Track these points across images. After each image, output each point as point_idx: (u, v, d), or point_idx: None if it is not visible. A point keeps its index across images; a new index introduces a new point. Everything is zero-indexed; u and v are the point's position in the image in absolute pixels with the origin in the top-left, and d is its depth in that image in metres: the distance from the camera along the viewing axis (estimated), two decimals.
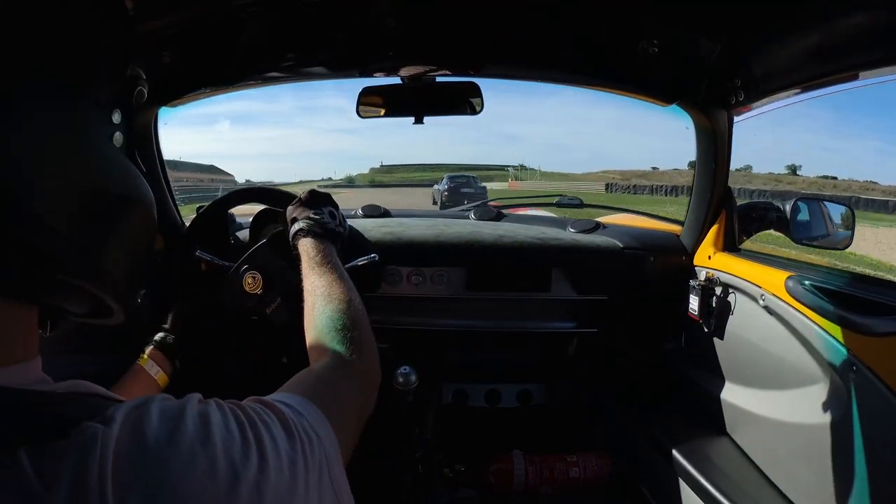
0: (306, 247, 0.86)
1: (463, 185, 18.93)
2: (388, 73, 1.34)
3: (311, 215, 0.94)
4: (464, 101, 1.35)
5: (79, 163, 0.39)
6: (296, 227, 0.92)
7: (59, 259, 0.38)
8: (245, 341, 1.23)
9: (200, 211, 1.31)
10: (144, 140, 1.41)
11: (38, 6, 0.37)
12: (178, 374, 1.07)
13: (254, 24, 1.19)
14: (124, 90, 0.47)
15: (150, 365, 1.02)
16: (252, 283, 1.11)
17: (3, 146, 0.34)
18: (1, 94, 0.34)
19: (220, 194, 1.32)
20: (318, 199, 1.00)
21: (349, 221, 1.50)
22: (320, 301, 0.71)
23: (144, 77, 0.53)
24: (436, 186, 20.66)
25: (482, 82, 1.33)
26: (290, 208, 1.00)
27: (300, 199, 1.00)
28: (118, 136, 0.46)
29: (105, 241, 0.41)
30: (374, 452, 1.46)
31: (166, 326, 1.09)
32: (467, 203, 2.24)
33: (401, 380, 1.35)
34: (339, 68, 1.36)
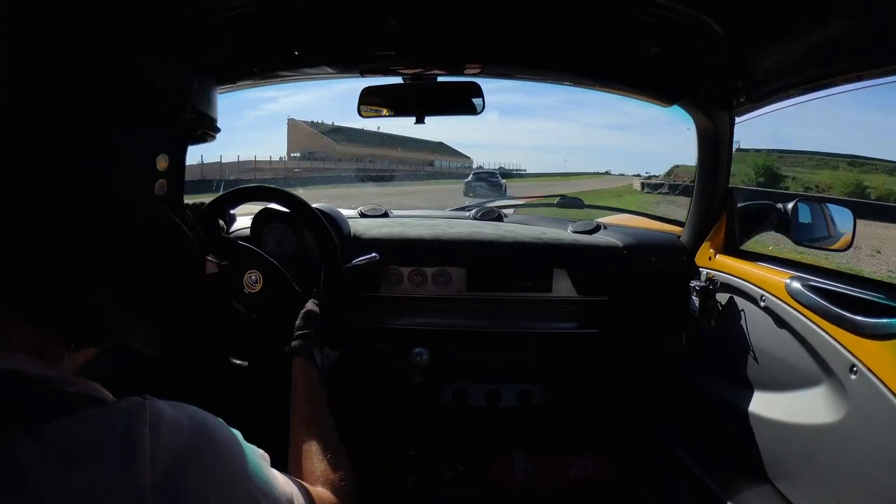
0: (297, 370, 0.87)
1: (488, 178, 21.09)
2: (390, 73, 1.34)
3: (317, 348, 0.94)
4: (465, 101, 1.35)
5: (101, 207, 0.38)
6: (297, 343, 0.93)
7: (82, 307, 0.39)
8: (241, 340, 1.23)
9: (202, 209, 1.30)
10: None
11: (69, 29, 0.37)
12: (173, 374, 1.07)
13: (255, 23, 1.19)
14: (174, 135, 0.44)
15: None
16: (253, 282, 1.11)
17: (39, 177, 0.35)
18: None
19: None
20: (330, 338, 1.00)
21: (350, 223, 1.51)
22: (305, 431, 0.73)
23: (215, 117, 0.49)
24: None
25: (483, 82, 1.33)
26: (311, 309, 1.00)
27: (323, 319, 1.00)
28: (161, 184, 0.43)
29: (129, 291, 0.42)
30: (375, 451, 1.46)
31: None
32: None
33: (416, 359, 1.37)
34: (341, 67, 1.36)
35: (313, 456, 0.68)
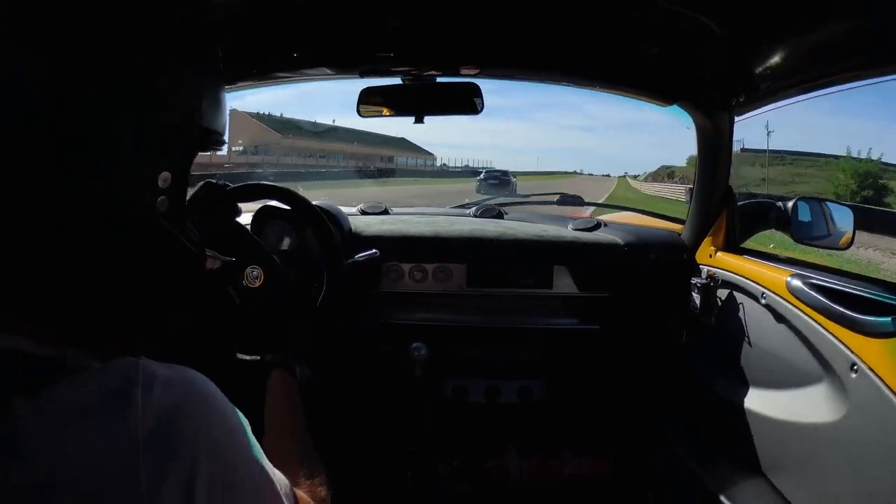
0: (277, 379, 0.86)
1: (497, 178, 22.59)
2: (389, 73, 1.34)
3: (298, 363, 0.93)
4: (464, 101, 1.35)
5: (100, 223, 0.39)
6: (279, 354, 0.92)
7: (80, 320, 0.40)
8: (241, 335, 1.23)
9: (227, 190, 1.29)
10: None
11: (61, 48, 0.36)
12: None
13: (254, 24, 1.18)
14: (177, 151, 0.43)
15: None
16: (254, 277, 1.11)
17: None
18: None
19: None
20: (304, 355, 0.99)
21: (351, 220, 1.51)
22: (283, 441, 0.73)
23: (222, 132, 0.48)
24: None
25: (482, 82, 1.33)
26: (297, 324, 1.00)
27: (300, 335, 1.00)
28: (162, 201, 0.42)
29: (125, 309, 0.42)
30: (375, 445, 1.47)
31: None
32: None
33: (414, 353, 1.37)
34: (340, 68, 1.36)
35: (290, 467, 0.67)
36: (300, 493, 0.59)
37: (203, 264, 1.14)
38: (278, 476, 0.48)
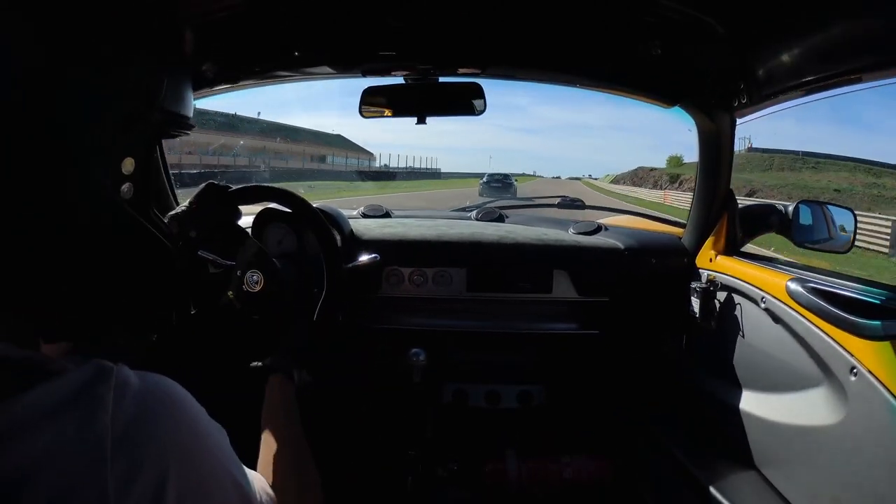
0: (274, 385, 0.86)
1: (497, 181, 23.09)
2: (391, 73, 1.34)
3: (296, 368, 0.92)
4: (466, 102, 1.35)
5: (65, 211, 0.39)
6: (276, 359, 0.91)
7: (53, 308, 0.40)
8: (240, 341, 1.23)
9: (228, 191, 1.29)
10: None
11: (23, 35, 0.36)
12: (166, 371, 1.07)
13: (256, 23, 1.19)
14: (140, 137, 0.44)
15: None
16: (254, 281, 1.11)
17: None
18: None
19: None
20: (303, 360, 0.97)
21: (351, 223, 1.51)
22: (277, 446, 0.72)
23: (187, 115, 0.48)
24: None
25: (483, 82, 1.33)
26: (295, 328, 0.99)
27: (298, 340, 0.98)
28: (127, 187, 0.42)
29: (98, 295, 0.43)
30: (376, 450, 1.46)
31: None
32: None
33: (412, 359, 1.38)
34: (342, 67, 1.37)
35: (284, 471, 0.68)
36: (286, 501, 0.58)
37: (204, 266, 1.13)
38: (258, 486, 0.48)
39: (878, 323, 0.83)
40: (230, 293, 1.11)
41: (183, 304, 1.14)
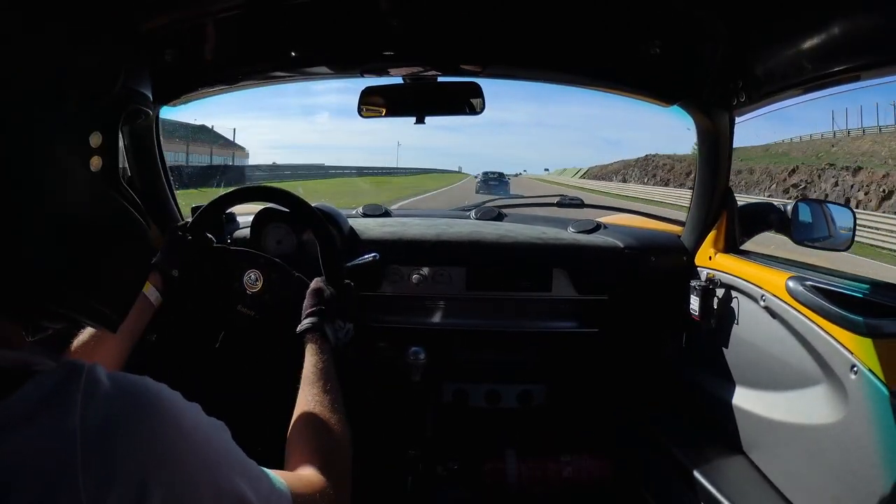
0: (310, 351, 0.85)
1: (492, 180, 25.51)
2: (390, 73, 1.34)
3: (329, 323, 0.91)
4: (465, 101, 1.35)
5: (37, 189, 0.39)
6: (309, 321, 0.90)
7: (33, 289, 0.40)
8: (233, 339, 1.22)
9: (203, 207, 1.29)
10: (145, 139, 1.41)
11: None
12: (164, 370, 1.06)
13: (255, 23, 1.19)
14: (106, 111, 0.44)
15: (151, 291, 1.00)
16: (253, 281, 1.11)
17: None
18: None
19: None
20: (341, 312, 0.97)
21: (351, 222, 1.50)
22: (312, 405, 0.72)
23: (147, 94, 0.49)
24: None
25: (483, 82, 1.33)
26: (318, 286, 0.97)
27: (331, 294, 0.97)
28: (96, 161, 0.43)
29: (77, 272, 0.42)
30: (376, 449, 1.46)
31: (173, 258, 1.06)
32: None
33: (411, 358, 1.37)
34: (341, 67, 1.36)
35: (315, 430, 0.67)
36: (305, 474, 0.57)
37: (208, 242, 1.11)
38: (267, 484, 0.46)
39: (878, 321, 0.83)
40: (239, 306, 1.12)
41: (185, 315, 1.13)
